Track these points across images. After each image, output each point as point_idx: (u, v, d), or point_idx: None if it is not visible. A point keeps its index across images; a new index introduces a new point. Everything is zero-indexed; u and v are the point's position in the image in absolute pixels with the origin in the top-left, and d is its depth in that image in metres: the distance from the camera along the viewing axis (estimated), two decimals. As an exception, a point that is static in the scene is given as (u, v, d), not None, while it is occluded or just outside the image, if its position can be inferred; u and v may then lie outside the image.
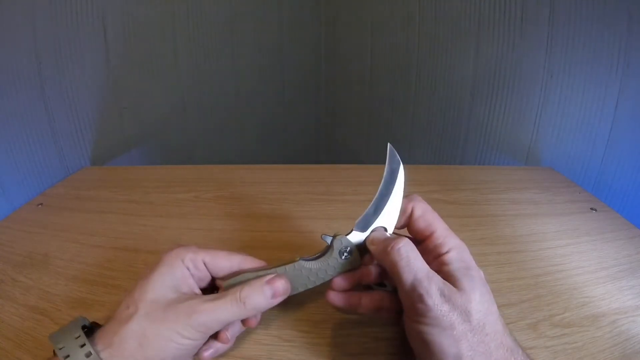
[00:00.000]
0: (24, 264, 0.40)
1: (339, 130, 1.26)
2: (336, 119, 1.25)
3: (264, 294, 0.26)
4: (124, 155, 0.80)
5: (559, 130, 0.70)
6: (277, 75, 1.12)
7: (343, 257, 0.28)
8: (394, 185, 0.29)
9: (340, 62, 1.17)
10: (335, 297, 0.28)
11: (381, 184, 0.29)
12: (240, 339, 0.30)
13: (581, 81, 0.65)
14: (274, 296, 0.26)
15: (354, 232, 0.28)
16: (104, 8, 0.68)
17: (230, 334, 0.27)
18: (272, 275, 0.27)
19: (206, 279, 0.29)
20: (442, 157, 0.90)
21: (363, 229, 0.28)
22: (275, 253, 0.42)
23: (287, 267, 0.28)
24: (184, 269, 0.27)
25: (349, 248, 0.28)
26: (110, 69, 0.72)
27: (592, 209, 0.52)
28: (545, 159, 0.72)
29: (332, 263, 0.28)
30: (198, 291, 0.27)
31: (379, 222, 0.28)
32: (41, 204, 0.55)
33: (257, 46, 1.03)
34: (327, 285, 0.29)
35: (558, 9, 0.63)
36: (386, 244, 0.26)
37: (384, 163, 0.30)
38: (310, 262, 0.28)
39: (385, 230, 0.29)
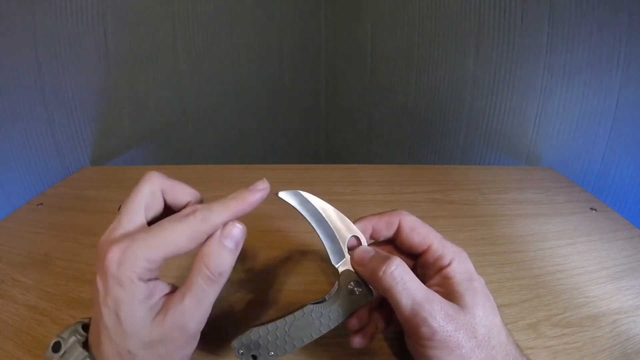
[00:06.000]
0: (24, 264, 0.40)
1: (339, 130, 1.26)
2: (336, 119, 1.25)
3: (227, 251, 0.23)
4: (124, 156, 0.80)
5: (559, 130, 0.70)
6: (277, 75, 1.12)
7: (351, 291, 0.26)
8: (315, 208, 0.28)
9: (340, 62, 1.17)
10: (361, 341, 0.26)
11: (309, 220, 0.28)
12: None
13: (581, 81, 0.65)
14: (237, 245, 0.23)
15: (338, 267, 0.27)
16: (104, 8, 0.68)
17: None
18: (223, 228, 0.23)
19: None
20: (442, 157, 0.90)
21: (341, 258, 0.27)
22: (275, 253, 0.42)
23: (296, 313, 0.26)
24: (150, 286, 0.22)
25: (356, 280, 0.26)
26: (110, 69, 0.72)
27: (592, 209, 0.52)
28: (545, 159, 0.72)
29: (343, 301, 0.26)
30: (167, 287, 0.23)
31: (343, 241, 0.27)
32: (41, 204, 0.55)
33: (257, 46, 1.03)
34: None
35: (558, 9, 0.63)
36: (375, 266, 0.24)
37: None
38: (320, 304, 0.26)
39: (358, 239, 0.28)
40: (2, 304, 0.34)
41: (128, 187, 0.26)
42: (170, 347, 0.22)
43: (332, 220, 0.28)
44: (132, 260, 0.21)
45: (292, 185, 0.62)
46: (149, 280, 0.22)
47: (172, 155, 0.92)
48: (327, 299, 0.27)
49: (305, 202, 0.28)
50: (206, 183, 0.61)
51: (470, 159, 0.84)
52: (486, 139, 0.79)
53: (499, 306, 0.25)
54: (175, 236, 0.22)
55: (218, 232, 0.23)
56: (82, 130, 0.70)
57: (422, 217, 0.28)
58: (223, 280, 0.23)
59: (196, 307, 0.22)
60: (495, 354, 0.22)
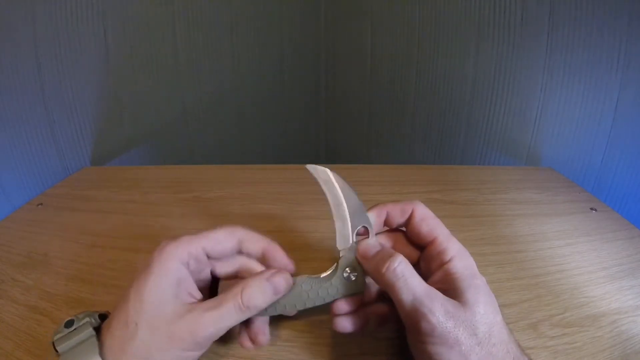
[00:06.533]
0: (24, 264, 0.40)
1: (339, 130, 1.26)
2: (336, 119, 1.25)
3: (265, 293, 0.25)
4: (124, 155, 0.80)
5: (559, 130, 0.70)
6: (277, 75, 1.12)
7: (346, 277, 0.27)
8: (337, 190, 0.28)
9: (340, 62, 1.17)
10: (344, 324, 0.27)
11: (328, 198, 0.28)
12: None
13: (581, 81, 0.65)
14: (275, 293, 0.25)
15: (341, 252, 0.28)
16: (104, 8, 0.68)
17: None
18: (272, 272, 0.26)
19: (206, 270, 0.27)
20: (442, 157, 0.90)
21: (346, 243, 0.28)
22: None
23: None
24: (182, 271, 0.25)
25: (354, 267, 0.27)
26: (110, 69, 0.72)
27: (592, 209, 0.52)
28: (545, 159, 0.72)
29: (335, 283, 0.27)
30: (198, 294, 0.26)
31: (354, 227, 0.28)
32: (41, 204, 0.55)
33: (257, 46, 1.03)
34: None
35: (558, 9, 0.63)
36: (379, 262, 0.25)
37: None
38: (313, 278, 0.27)
39: (367, 230, 0.28)
40: (2, 304, 0.34)
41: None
42: (174, 343, 0.22)
43: (349, 205, 0.28)
44: (177, 244, 0.25)
45: (291, 184, 0.62)
46: (187, 269, 0.25)
47: (172, 155, 0.92)
48: (321, 276, 0.27)
49: (328, 182, 0.29)
50: (206, 183, 0.61)
51: (470, 159, 0.84)
52: (486, 139, 0.79)
53: (499, 306, 0.25)
54: (214, 233, 0.27)
55: (268, 272, 0.26)
56: (82, 130, 0.70)
57: (422, 217, 0.28)
58: (249, 314, 0.24)
59: (213, 323, 0.23)
60: (496, 352, 0.22)
